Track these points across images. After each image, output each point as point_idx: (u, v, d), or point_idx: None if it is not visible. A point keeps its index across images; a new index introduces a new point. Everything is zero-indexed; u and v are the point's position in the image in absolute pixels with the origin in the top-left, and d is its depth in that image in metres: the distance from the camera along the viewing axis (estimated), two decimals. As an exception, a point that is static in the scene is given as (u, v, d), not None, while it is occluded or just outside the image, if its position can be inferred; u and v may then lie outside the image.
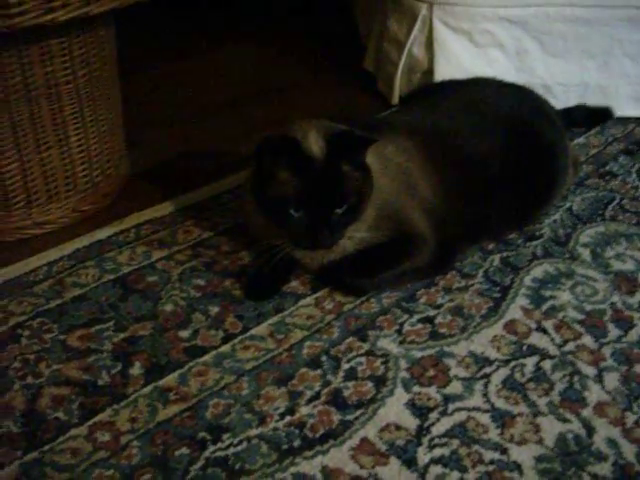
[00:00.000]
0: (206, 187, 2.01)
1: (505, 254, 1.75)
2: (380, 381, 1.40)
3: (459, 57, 2.36)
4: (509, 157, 1.75)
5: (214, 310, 1.57)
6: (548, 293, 1.63)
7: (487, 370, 1.43)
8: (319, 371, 1.42)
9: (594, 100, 2.38)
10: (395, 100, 2.47)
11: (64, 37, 1.65)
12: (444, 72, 2.33)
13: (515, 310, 1.58)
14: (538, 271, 1.70)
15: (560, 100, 2.34)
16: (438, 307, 1.59)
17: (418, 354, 1.46)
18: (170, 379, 1.40)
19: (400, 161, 1.66)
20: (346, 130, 1.53)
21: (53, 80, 1.69)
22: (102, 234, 1.81)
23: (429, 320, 1.55)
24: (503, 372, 1.43)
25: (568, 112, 2.24)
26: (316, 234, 1.49)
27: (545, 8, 2.32)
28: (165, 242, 1.79)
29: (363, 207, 1.54)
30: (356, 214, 1.53)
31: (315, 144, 1.49)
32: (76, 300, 1.60)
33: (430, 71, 2.39)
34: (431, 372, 1.42)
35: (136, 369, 1.42)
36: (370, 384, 1.39)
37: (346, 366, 1.43)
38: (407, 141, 1.69)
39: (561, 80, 2.40)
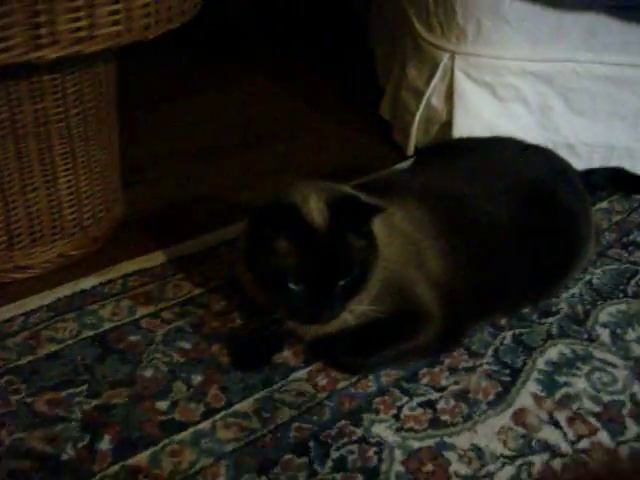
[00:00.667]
0: (202, 237, 1.89)
1: (518, 331, 1.63)
2: (372, 474, 1.27)
3: (480, 110, 2.25)
4: (528, 225, 1.64)
5: (197, 379, 1.45)
6: (562, 379, 1.50)
7: (491, 468, 1.30)
8: (305, 459, 1.29)
9: (619, 163, 2.26)
10: (411, 151, 2.37)
11: (57, 73, 1.54)
12: (463, 125, 2.22)
13: (525, 397, 1.45)
14: (553, 352, 1.57)
15: (583, 161, 2.23)
16: (441, 390, 1.46)
17: (416, 445, 1.33)
18: (141, 458, 1.27)
19: (408, 230, 1.54)
20: (350, 195, 1.41)
21: (43, 118, 1.58)
22: (87, 283, 1.69)
23: (430, 404, 1.42)
24: (508, 471, 1.29)
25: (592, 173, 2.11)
26: (316, 308, 1.37)
27: (573, 64, 2.21)
28: (152, 297, 1.67)
29: (367, 278, 1.41)
30: (360, 286, 1.41)
31: (316, 211, 1.36)
32: (50, 357, 1.48)
33: (449, 123, 2.27)
34: (429, 467, 1.29)
35: (105, 443, 1.30)
36: (361, 477, 1.26)
37: (336, 454, 1.30)
38: (417, 209, 1.57)
39: (586, 140, 2.28)
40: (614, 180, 2.18)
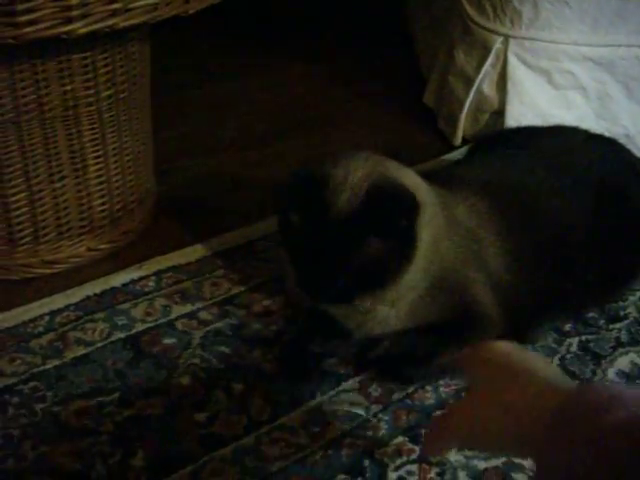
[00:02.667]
0: (241, 230, 1.76)
1: (584, 337, 1.49)
2: (435, 499, 1.14)
3: (534, 98, 2.11)
4: (595, 222, 1.50)
5: (238, 388, 1.32)
6: (636, 392, 1.36)
7: (565, 491, 1.16)
8: (360, 480, 1.16)
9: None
10: (458, 141, 2.23)
11: (87, 52, 1.42)
12: (517, 114, 2.09)
13: (598, 412, 1.31)
14: (624, 362, 1.43)
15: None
16: (505, 402, 1.32)
17: (482, 465, 1.20)
18: (179, 477, 1.15)
19: (471, 225, 1.40)
20: (399, 188, 1.25)
21: (72, 100, 1.46)
22: (117, 280, 1.57)
23: (495, 419, 1.29)
24: (584, 496, 1.16)
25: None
26: (315, 289, 1.26)
27: (636, 50, 2.06)
28: (189, 296, 1.54)
29: (394, 277, 1.27)
30: (377, 284, 1.27)
31: (348, 192, 1.21)
32: (78, 362, 1.36)
33: (500, 112, 2.14)
34: (497, 490, 1.16)
35: (139, 460, 1.18)
36: (422, 502, 1.14)
37: (393, 475, 1.17)
38: (481, 202, 1.43)
39: (647, 131, 2.14)
40: None
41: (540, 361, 1.03)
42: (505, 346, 0.98)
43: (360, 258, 1.22)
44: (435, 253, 1.30)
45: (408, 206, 1.24)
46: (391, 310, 1.31)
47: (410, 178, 1.30)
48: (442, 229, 1.33)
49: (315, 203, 1.22)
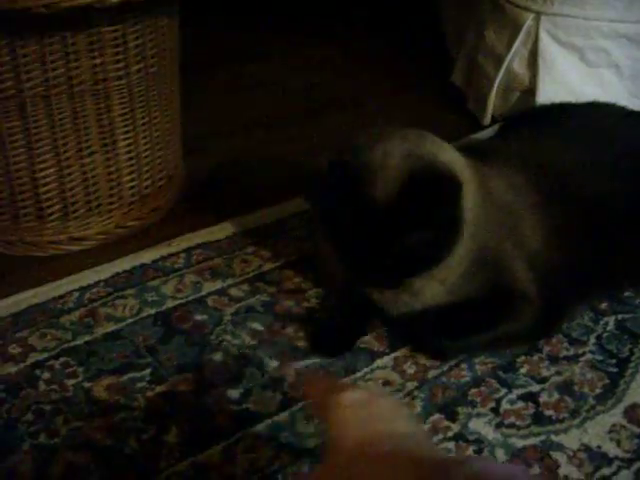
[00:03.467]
0: (271, 208, 1.74)
1: (621, 316, 1.46)
2: (473, 477, 1.11)
3: (567, 76, 2.08)
4: (632, 200, 1.47)
5: (272, 364, 1.30)
6: (676, 371, 1.33)
7: (605, 472, 1.14)
8: (397, 457, 1.14)
9: None
10: (487, 121, 2.20)
11: (118, 25, 1.40)
12: (548, 92, 2.05)
13: (637, 391, 1.28)
14: (661, 341, 1.40)
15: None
16: (543, 381, 1.30)
17: (520, 443, 1.18)
18: (212, 453, 1.13)
19: (507, 200, 1.37)
20: (441, 171, 1.21)
21: (102, 74, 1.44)
22: (147, 257, 1.55)
23: (532, 397, 1.26)
24: (625, 475, 1.13)
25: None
26: (365, 273, 1.24)
27: (672, 26, 2.02)
28: (219, 272, 1.52)
29: (441, 256, 1.25)
30: (426, 264, 1.25)
31: (385, 180, 1.18)
32: (109, 338, 1.35)
33: (531, 90, 2.10)
34: (536, 469, 1.13)
35: (172, 436, 1.16)
36: (460, 480, 1.11)
37: (430, 453, 1.15)
38: (517, 175, 1.40)
39: (681, 111, 2.10)
40: None
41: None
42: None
43: (407, 244, 1.19)
44: (476, 229, 1.28)
45: (451, 190, 1.21)
46: (439, 288, 1.29)
47: (448, 154, 1.27)
48: (478, 202, 1.30)
49: (357, 194, 1.19)
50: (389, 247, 1.19)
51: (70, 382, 1.26)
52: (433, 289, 1.30)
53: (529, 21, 2.07)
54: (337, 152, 1.25)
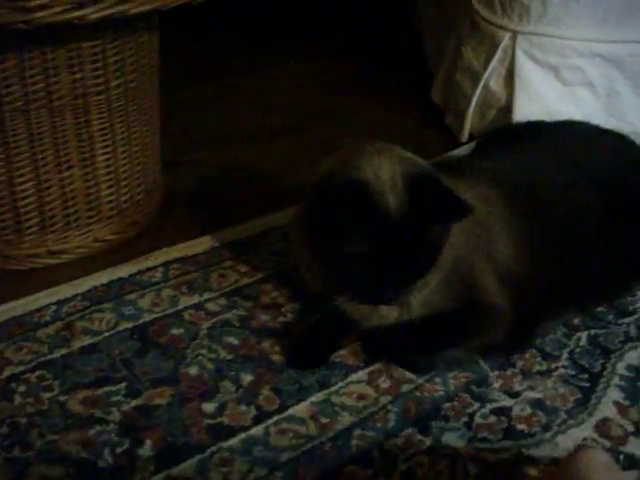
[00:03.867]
0: (249, 222, 1.76)
1: (593, 332, 1.48)
2: (445, 491, 1.13)
3: (542, 94, 2.11)
4: (605, 217, 1.49)
5: (247, 379, 1.31)
6: (646, 386, 1.35)
7: (576, 485, 1.15)
8: (369, 471, 1.15)
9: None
10: (465, 137, 2.22)
11: (98, 40, 1.41)
12: (524, 110, 2.08)
13: (608, 406, 1.30)
14: (633, 356, 1.42)
15: (651, 151, 2.08)
16: (515, 395, 1.31)
17: (491, 457, 1.19)
18: (187, 467, 1.14)
19: (479, 213, 1.38)
20: (432, 177, 1.25)
21: (81, 89, 1.45)
22: (124, 271, 1.56)
23: (504, 412, 1.28)
24: (595, 489, 1.15)
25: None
26: (380, 292, 1.23)
27: (646, 46, 2.06)
28: (196, 287, 1.54)
29: (436, 261, 1.27)
30: (428, 269, 1.26)
31: (391, 192, 1.19)
32: (85, 351, 1.36)
33: (508, 108, 2.13)
34: (508, 483, 1.15)
35: (146, 449, 1.17)
36: (432, 494, 1.13)
37: (403, 466, 1.16)
38: (489, 190, 1.43)
39: (655, 128, 2.13)
40: None
41: None
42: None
43: (426, 251, 1.23)
44: (453, 236, 1.30)
45: (451, 192, 1.23)
46: (417, 295, 1.30)
47: (425, 164, 1.30)
48: None
49: (367, 212, 1.19)
50: (409, 254, 1.21)
51: (46, 395, 1.26)
52: (412, 299, 1.31)
53: (506, 40, 2.10)
54: (319, 174, 1.27)
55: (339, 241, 1.21)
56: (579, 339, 1.46)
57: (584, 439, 1.23)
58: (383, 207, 1.19)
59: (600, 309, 1.54)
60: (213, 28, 2.80)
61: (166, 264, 1.60)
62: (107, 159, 1.57)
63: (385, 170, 1.21)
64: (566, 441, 1.23)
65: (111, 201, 1.63)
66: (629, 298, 1.57)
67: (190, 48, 2.61)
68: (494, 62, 2.14)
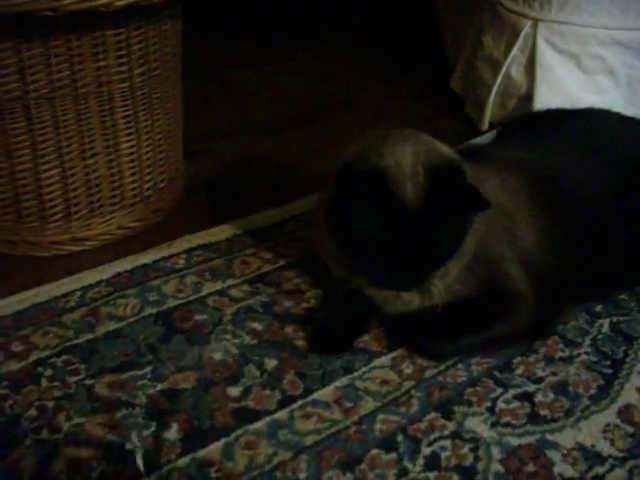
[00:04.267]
0: (270, 210, 1.77)
1: (615, 319, 1.48)
2: (468, 474, 1.14)
3: (563, 83, 2.11)
4: (628, 204, 1.49)
5: (271, 364, 1.33)
6: (669, 372, 1.35)
7: (599, 470, 1.16)
8: (394, 455, 1.16)
9: None
10: (485, 126, 2.23)
11: (122, 28, 1.43)
12: (545, 98, 2.08)
13: (630, 392, 1.31)
14: (656, 343, 1.42)
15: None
16: (538, 381, 1.32)
17: (515, 441, 1.20)
18: (212, 450, 1.15)
19: (502, 200, 1.39)
20: (454, 168, 1.25)
21: (105, 77, 1.47)
22: (148, 257, 1.58)
23: (528, 397, 1.29)
24: (620, 474, 1.15)
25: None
26: (398, 277, 1.24)
27: (668, 33, 2.05)
28: (219, 273, 1.55)
29: (457, 249, 1.28)
30: (449, 257, 1.27)
31: (410, 181, 1.20)
32: (110, 336, 1.37)
33: (529, 96, 2.14)
34: (531, 467, 1.15)
35: (173, 433, 1.18)
36: (456, 477, 1.13)
37: (427, 450, 1.17)
38: (512, 177, 1.43)
39: (676, 117, 2.13)
40: None
41: None
42: None
43: (443, 241, 1.23)
44: (475, 223, 1.30)
45: (468, 182, 1.24)
46: (440, 282, 1.31)
47: (452, 152, 1.30)
48: None
49: (384, 199, 1.20)
50: (425, 243, 1.21)
51: (72, 379, 1.28)
52: (436, 282, 1.31)
53: (527, 28, 2.11)
54: (344, 159, 1.27)
55: (357, 226, 1.22)
56: (601, 326, 1.47)
57: (607, 425, 1.24)
58: (400, 196, 1.19)
59: (622, 296, 1.54)
60: (230, 19, 2.82)
61: (189, 251, 1.61)
62: (131, 147, 1.59)
63: (407, 158, 1.22)
64: (589, 426, 1.23)
65: (134, 189, 1.64)
66: (651, 285, 1.57)
67: (206, 40, 2.62)
68: (515, 50, 2.15)
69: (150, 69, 1.54)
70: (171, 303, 1.46)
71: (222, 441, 1.17)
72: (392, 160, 1.22)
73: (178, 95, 1.71)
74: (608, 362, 1.37)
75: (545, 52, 2.09)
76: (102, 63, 1.45)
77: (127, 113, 1.54)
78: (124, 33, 1.44)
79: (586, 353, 1.39)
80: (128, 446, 1.16)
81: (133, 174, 1.62)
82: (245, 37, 2.86)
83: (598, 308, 1.51)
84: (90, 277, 1.52)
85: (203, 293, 1.49)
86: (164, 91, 1.61)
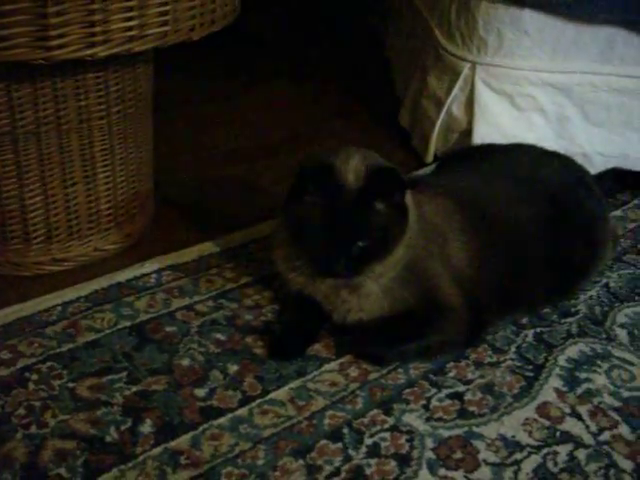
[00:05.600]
0: (234, 234, 1.94)
1: (539, 330, 1.67)
2: (404, 460, 1.31)
3: (499, 119, 2.29)
4: (548, 228, 1.68)
5: (233, 368, 1.49)
6: (583, 375, 1.54)
7: (518, 456, 1.34)
8: (340, 445, 1.33)
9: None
10: (430, 158, 2.41)
11: (101, 72, 1.60)
12: (483, 134, 2.26)
13: (548, 392, 1.49)
14: (573, 351, 1.61)
15: (598, 169, 2.26)
16: (468, 383, 1.50)
17: (445, 433, 1.38)
18: (182, 441, 1.32)
19: (437, 222, 1.59)
20: (390, 167, 1.47)
21: (86, 115, 1.64)
22: (122, 276, 1.74)
23: (458, 396, 1.46)
24: (535, 459, 1.33)
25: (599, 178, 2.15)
26: (332, 260, 1.43)
27: (591, 76, 2.25)
28: (186, 290, 1.71)
29: (390, 248, 1.47)
30: (380, 253, 1.47)
31: (353, 173, 1.43)
32: (89, 346, 1.53)
33: (468, 131, 2.31)
34: (459, 454, 1.33)
35: (147, 427, 1.34)
36: (394, 463, 1.31)
37: (369, 441, 1.35)
38: (446, 202, 1.63)
39: (601, 150, 2.32)
40: (617, 180, 2.25)
41: None
42: None
43: (373, 223, 1.43)
44: (410, 238, 1.49)
45: (399, 182, 1.45)
46: (374, 285, 1.49)
47: (389, 164, 1.52)
48: (414, 221, 1.52)
49: (328, 186, 1.42)
50: (359, 225, 1.42)
51: (56, 382, 1.43)
52: (371, 284, 1.49)
53: (466, 70, 2.29)
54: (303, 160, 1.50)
55: (305, 212, 1.44)
56: (526, 336, 1.65)
57: (526, 419, 1.42)
58: (342, 183, 1.42)
59: (546, 310, 1.73)
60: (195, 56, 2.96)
61: (159, 271, 1.77)
62: (107, 177, 1.75)
63: (354, 159, 1.45)
64: (510, 420, 1.41)
65: (109, 214, 1.80)
66: (572, 300, 1.76)
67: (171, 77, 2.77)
68: (456, 90, 2.33)
69: (125, 107, 1.70)
70: (143, 317, 1.62)
71: (190, 434, 1.33)
72: (342, 159, 1.45)
73: (149, 129, 1.87)
74: (530, 367, 1.55)
75: (482, 92, 2.27)
76: (83, 102, 1.61)
77: (104, 147, 1.70)
78: (103, 76, 1.61)
79: (511, 359, 1.57)
80: (108, 439, 1.32)
81: (108, 201, 1.78)
82: (209, 72, 3.01)
83: (524, 320, 1.69)
84: (70, 294, 1.67)
85: (172, 308, 1.65)
86: (137, 126, 1.78)
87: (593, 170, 2.14)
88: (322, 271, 1.47)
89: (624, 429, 1.42)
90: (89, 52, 1.38)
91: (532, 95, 2.28)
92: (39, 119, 1.58)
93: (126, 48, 1.42)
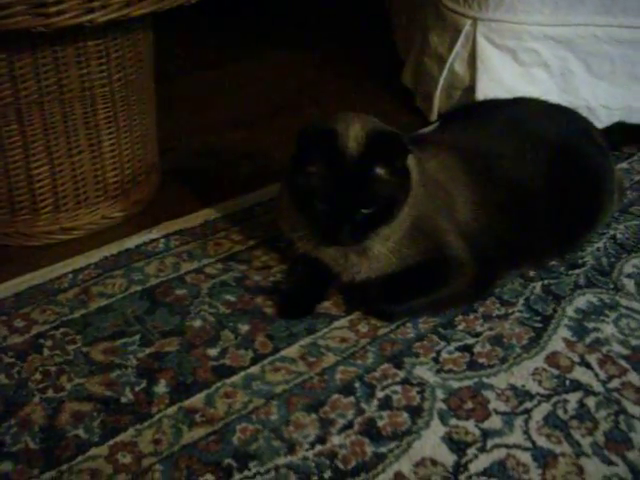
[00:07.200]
0: (239, 198, 1.96)
1: (546, 282, 1.68)
2: (416, 412, 1.33)
3: (502, 75, 2.29)
4: (554, 181, 1.68)
5: (244, 328, 1.51)
6: (591, 325, 1.55)
7: (528, 405, 1.35)
8: (352, 398, 1.35)
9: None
10: (434, 117, 2.41)
11: (101, 39, 1.61)
12: (486, 90, 2.26)
13: (557, 342, 1.50)
14: (581, 301, 1.62)
15: (603, 123, 2.26)
16: (477, 335, 1.51)
17: (456, 385, 1.39)
18: (196, 400, 1.34)
19: (441, 178, 1.59)
20: (391, 132, 1.47)
21: (88, 82, 1.65)
22: (131, 243, 1.76)
23: (467, 349, 1.48)
24: (545, 408, 1.35)
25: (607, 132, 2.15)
26: (336, 229, 1.43)
27: (593, 28, 2.25)
28: (195, 254, 1.73)
29: (394, 212, 1.47)
30: (385, 218, 1.47)
31: (353, 140, 1.42)
32: (101, 311, 1.55)
33: (471, 88, 2.32)
34: (469, 404, 1.35)
35: (161, 387, 1.37)
36: (405, 415, 1.32)
37: (380, 394, 1.36)
38: (449, 158, 1.63)
39: (605, 102, 2.33)
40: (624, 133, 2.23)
41: None
42: None
43: (376, 189, 1.43)
44: (415, 197, 1.50)
45: (400, 146, 1.44)
46: (381, 247, 1.50)
47: (391, 129, 1.51)
48: (416, 180, 1.52)
49: (330, 152, 1.42)
50: (361, 192, 1.42)
51: (71, 347, 1.45)
52: (379, 247, 1.50)
53: (467, 26, 2.28)
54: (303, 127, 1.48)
55: (307, 179, 1.44)
56: (534, 288, 1.66)
57: (536, 368, 1.43)
58: (342, 149, 1.42)
59: (553, 262, 1.73)
60: (194, 24, 2.97)
61: (167, 236, 1.79)
62: (112, 144, 1.76)
63: (356, 126, 1.44)
64: (520, 370, 1.43)
65: (116, 182, 1.82)
66: (579, 252, 1.77)
67: (172, 45, 2.78)
68: (457, 47, 2.33)
69: (127, 74, 1.71)
70: (154, 281, 1.64)
71: (204, 392, 1.35)
72: (342, 125, 1.44)
73: (152, 97, 1.88)
74: (539, 318, 1.56)
75: (484, 48, 2.27)
76: (85, 70, 1.62)
77: (108, 114, 1.71)
78: (103, 43, 1.61)
79: (519, 311, 1.58)
80: (123, 400, 1.34)
81: (114, 169, 1.80)
82: (210, 39, 3.01)
83: (532, 273, 1.69)
84: (80, 261, 1.69)
85: (182, 271, 1.67)
86: (139, 94, 1.78)
87: (598, 123, 2.13)
88: (327, 240, 1.48)
89: (633, 376, 1.43)
90: (88, 18, 1.39)
91: (535, 49, 2.27)
92: (42, 88, 1.59)
93: (124, 13, 1.43)
